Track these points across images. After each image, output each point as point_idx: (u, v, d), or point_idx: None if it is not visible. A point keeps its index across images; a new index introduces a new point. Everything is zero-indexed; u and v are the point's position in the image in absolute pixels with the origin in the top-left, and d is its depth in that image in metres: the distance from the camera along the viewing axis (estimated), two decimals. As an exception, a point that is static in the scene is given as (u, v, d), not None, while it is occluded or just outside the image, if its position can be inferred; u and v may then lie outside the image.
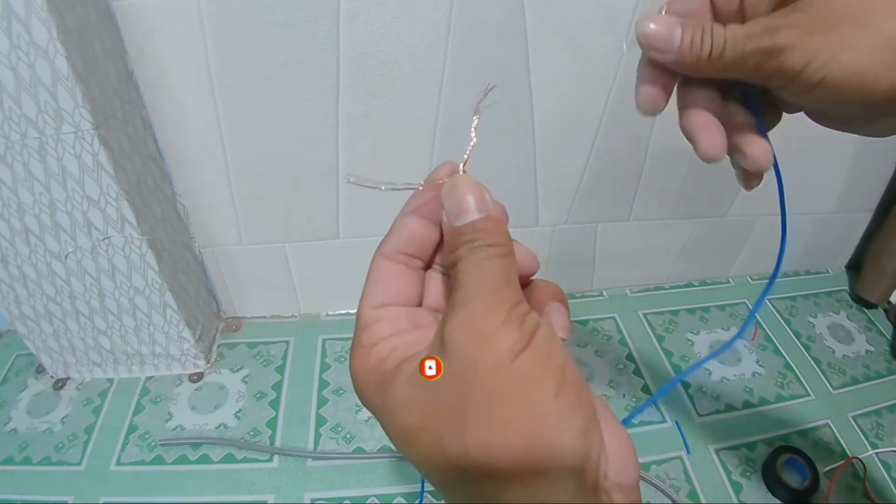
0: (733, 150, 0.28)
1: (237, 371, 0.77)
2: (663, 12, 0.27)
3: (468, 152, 0.25)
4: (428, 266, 0.26)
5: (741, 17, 0.27)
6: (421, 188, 0.25)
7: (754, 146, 0.28)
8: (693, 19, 0.26)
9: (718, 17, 0.28)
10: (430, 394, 0.20)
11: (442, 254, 0.25)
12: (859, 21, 0.23)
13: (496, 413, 0.18)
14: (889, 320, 0.89)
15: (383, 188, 0.26)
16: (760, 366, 0.81)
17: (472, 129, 0.25)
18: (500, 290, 0.20)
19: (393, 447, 0.23)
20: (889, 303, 0.90)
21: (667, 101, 0.28)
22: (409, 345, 0.22)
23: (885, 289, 0.88)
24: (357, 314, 0.24)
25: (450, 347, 0.20)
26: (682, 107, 0.28)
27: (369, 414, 0.80)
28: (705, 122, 0.27)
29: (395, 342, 0.23)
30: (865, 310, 0.91)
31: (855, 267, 0.96)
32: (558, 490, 0.18)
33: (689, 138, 0.28)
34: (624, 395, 0.76)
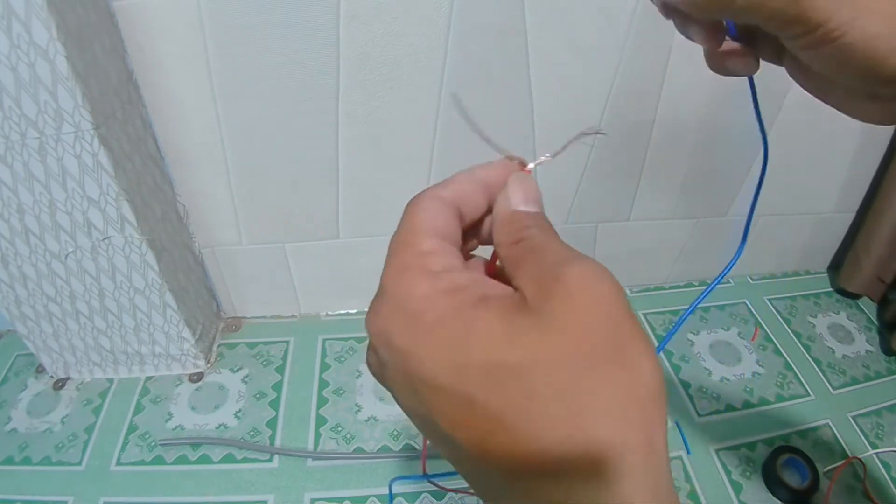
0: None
1: (237, 371, 0.77)
2: None
3: (541, 160, 0.25)
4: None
5: None
6: (518, 163, 0.25)
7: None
8: None
9: None
10: (544, 330, 0.18)
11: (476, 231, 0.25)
12: None
13: (629, 358, 0.18)
14: (878, 316, 0.90)
15: (483, 137, 0.25)
16: (760, 366, 0.81)
17: (558, 151, 0.26)
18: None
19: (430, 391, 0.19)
20: (880, 279, 0.90)
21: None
22: (486, 284, 0.21)
23: (863, 280, 0.90)
24: (405, 240, 0.21)
25: (572, 288, 0.18)
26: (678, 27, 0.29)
27: (369, 414, 0.79)
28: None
29: (471, 276, 0.21)
30: (864, 309, 0.91)
31: (835, 267, 0.98)
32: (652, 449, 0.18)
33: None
34: (624, 395, 0.76)
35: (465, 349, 0.18)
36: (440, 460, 0.24)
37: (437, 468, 0.40)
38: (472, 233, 0.25)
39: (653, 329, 0.85)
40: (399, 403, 0.21)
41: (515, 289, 0.20)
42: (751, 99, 0.30)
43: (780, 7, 0.23)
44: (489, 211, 0.24)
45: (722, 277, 0.29)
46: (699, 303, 0.31)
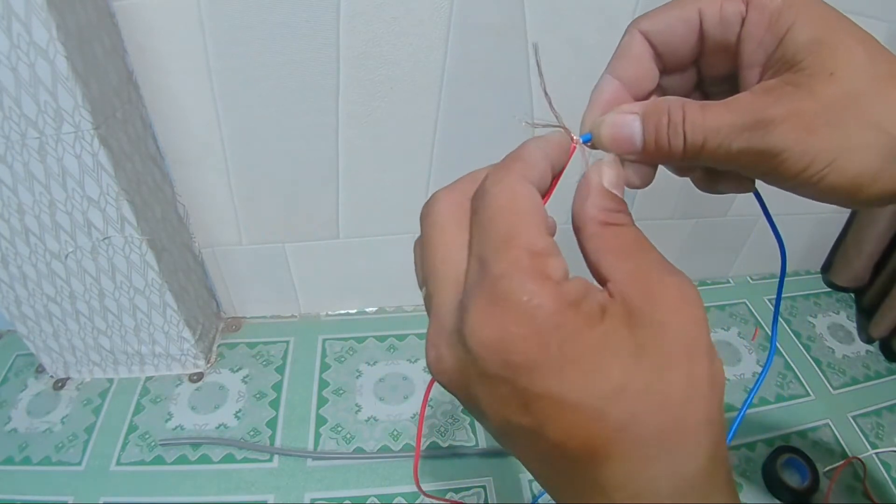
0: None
1: (237, 371, 0.77)
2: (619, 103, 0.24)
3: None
4: None
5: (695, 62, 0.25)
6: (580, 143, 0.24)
7: None
8: (656, 105, 0.22)
9: (667, 66, 0.25)
10: (646, 349, 0.18)
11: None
12: (864, 114, 0.21)
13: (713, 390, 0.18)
14: (856, 304, 0.92)
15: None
16: (760, 366, 0.81)
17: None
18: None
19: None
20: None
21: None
22: (594, 288, 0.19)
23: (852, 275, 0.91)
24: (514, 234, 0.18)
25: (671, 303, 0.18)
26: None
27: (369, 414, 0.79)
28: None
29: (581, 283, 0.19)
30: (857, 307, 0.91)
31: (828, 264, 0.98)
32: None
33: None
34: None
35: (601, 368, 0.17)
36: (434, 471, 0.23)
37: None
38: None
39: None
40: (480, 410, 0.19)
41: (602, 279, 0.20)
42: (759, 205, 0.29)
43: (746, 163, 0.22)
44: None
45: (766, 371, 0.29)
46: (746, 408, 0.30)
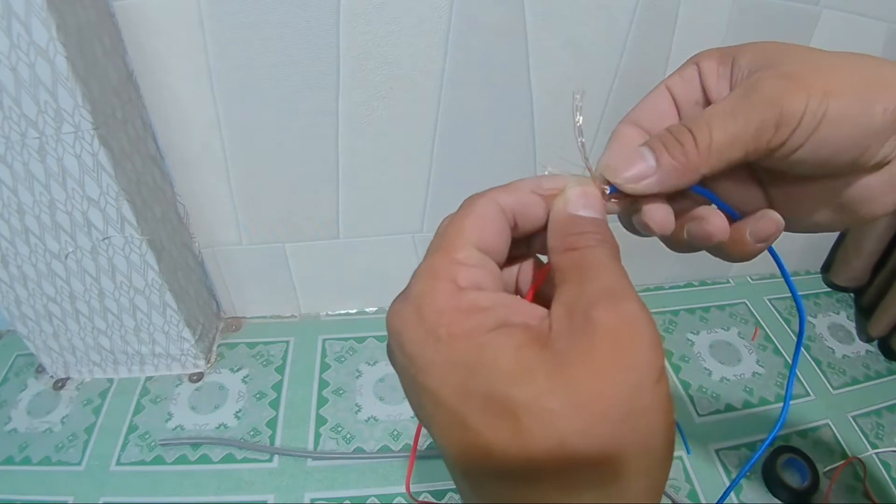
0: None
1: (237, 371, 0.77)
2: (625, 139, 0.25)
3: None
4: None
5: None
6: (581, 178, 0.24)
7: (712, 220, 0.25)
8: (658, 132, 0.24)
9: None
10: (556, 375, 0.17)
11: (529, 241, 0.25)
12: (826, 67, 0.23)
13: (639, 423, 0.17)
14: (854, 303, 0.92)
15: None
16: (760, 366, 0.81)
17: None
18: (645, 306, 0.20)
19: (430, 412, 0.19)
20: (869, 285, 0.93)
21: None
22: (512, 309, 0.20)
23: (852, 274, 0.91)
24: (446, 242, 0.21)
25: (600, 337, 0.18)
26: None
27: (369, 414, 0.79)
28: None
29: (496, 298, 0.20)
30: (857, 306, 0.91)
31: (826, 268, 0.99)
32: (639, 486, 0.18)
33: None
34: (624, 395, 0.76)
35: (470, 374, 0.18)
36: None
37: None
38: (524, 242, 0.25)
39: (653, 329, 0.85)
40: (406, 396, 0.21)
41: (551, 308, 0.20)
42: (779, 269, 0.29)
43: (756, 127, 0.23)
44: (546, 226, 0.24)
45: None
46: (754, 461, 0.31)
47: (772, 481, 0.65)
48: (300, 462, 0.67)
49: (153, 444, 0.68)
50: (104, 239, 0.61)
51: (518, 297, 0.22)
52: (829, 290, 0.95)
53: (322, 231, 0.76)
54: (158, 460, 0.66)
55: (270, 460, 0.67)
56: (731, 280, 0.95)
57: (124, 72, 0.58)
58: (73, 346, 0.72)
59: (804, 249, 0.95)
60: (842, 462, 0.68)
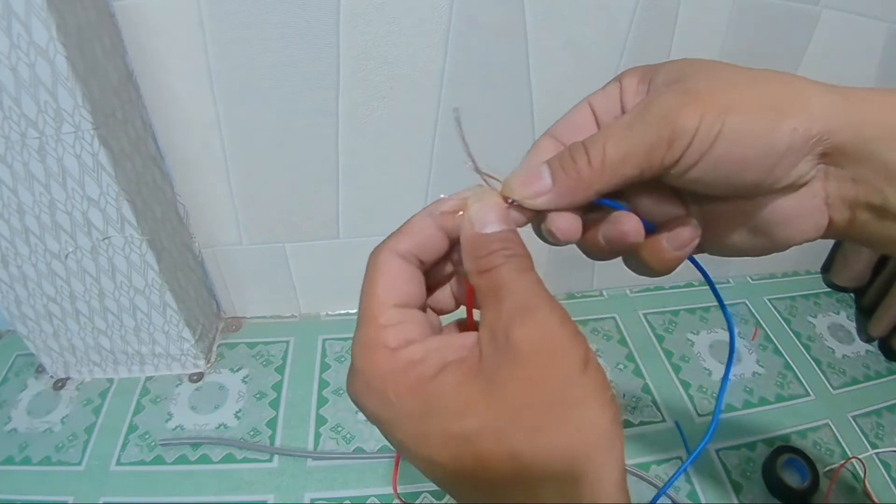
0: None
1: (237, 371, 0.77)
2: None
3: (490, 175, 0.26)
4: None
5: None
6: (484, 186, 0.25)
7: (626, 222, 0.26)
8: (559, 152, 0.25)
9: None
10: (493, 399, 0.20)
11: (447, 261, 0.26)
12: (732, 83, 0.23)
13: (571, 417, 0.20)
14: (855, 303, 0.92)
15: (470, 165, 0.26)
16: (760, 366, 0.81)
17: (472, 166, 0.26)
18: (557, 304, 0.21)
19: (411, 451, 0.22)
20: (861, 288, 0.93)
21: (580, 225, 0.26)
22: (445, 349, 0.22)
23: (852, 275, 0.92)
24: (367, 310, 0.23)
25: (521, 354, 0.20)
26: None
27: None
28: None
29: (427, 346, 0.22)
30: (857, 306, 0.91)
31: (826, 268, 0.98)
32: (595, 490, 0.20)
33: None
34: (624, 395, 0.76)
35: (424, 421, 0.20)
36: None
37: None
38: (442, 265, 0.26)
39: (653, 329, 0.85)
40: None
41: (479, 332, 0.22)
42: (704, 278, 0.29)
43: (650, 142, 0.22)
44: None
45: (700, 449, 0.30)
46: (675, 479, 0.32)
47: (772, 481, 0.65)
48: (300, 462, 0.67)
49: (153, 444, 0.68)
50: (104, 239, 0.61)
51: (449, 333, 0.24)
52: (829, 290, 0.95)
53: (322, 231, 0.76)
54: (158, 460, 0.66)
55: (270, 460, 0.67)
56: (730, 280, 0.95)
57: (124, 72, 0.58)
58: (73, 346, 0.72)
59: (804, 249, 0.95)
60: (842, 462, 0.68)
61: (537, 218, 0.26)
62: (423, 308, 0.25)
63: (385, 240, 0.24)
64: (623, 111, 0.26)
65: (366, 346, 0.22)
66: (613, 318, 0.86)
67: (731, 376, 0.79)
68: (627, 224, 0.25)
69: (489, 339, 0.21)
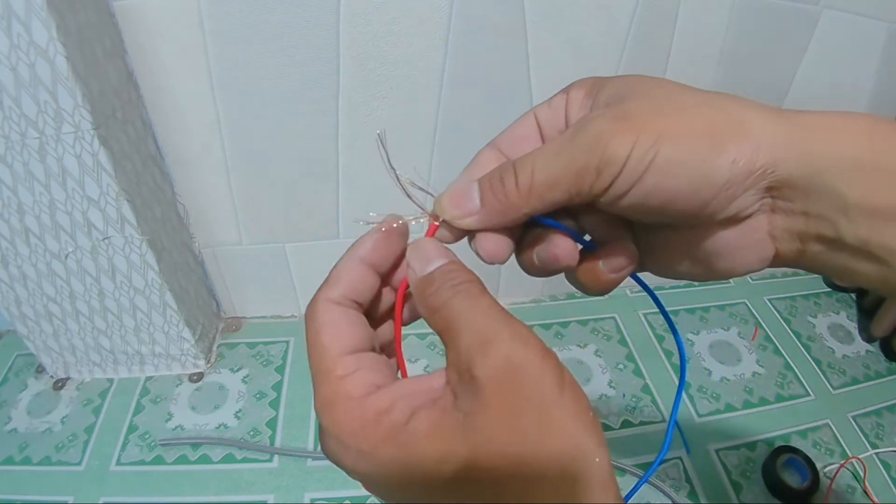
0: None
1: (237, 371, 0.77)
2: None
3: (417, 216, 0.26)
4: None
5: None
6: (422, 220, 0.26)
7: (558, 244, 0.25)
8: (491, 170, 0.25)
9: None
10: (472, 442, 0.19)
11: (385, 308, 0.27)
12: (672, 107, 0.21)
13: (554, 446, 0.19)
14: (857, 304, 0.92)
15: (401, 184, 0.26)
16: (760, 366, 0.81)
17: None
18: (516, 323, 0.21)
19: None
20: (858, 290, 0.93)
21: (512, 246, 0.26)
22: (413, 395, 0.21)
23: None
24: (320, 365, 0.22)
25: (487, 392, 0.19)
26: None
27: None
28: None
29: (394, 393, 0.21)
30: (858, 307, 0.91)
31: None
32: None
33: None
34: (624, 395, 0.76)
35: (405, 470, 0.20)
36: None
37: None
38: (377, 301, 0.27)
39: (653, 329, 0.85)
40: None
41: (447, 373, 0.21)
42: (660, 311, 0.30)
43: (578, 168, 0.21)
44: (396, 266, 0.26)
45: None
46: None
47: (772, 481, 0.65)
48: (300, 462, 0.67)
49: (153, 444, 0.68)
50: (104, 239, 0.61)
51: (415, 377, 0.23)
52: (829, 290, 0.95)
53: (322, 231, 0.76)
54: (158, 460, 0.66)
55: (270, 460, 0.67)
56: (730, 280, 0.95)
57: (124, 72, 0.58)
58: (73, 346, 0.72)
59: (804, 249, 0.95)
60: (842, 462, 0.68)
61: (469, 235, 0.26)
62: (375, 349, 0.25)
63: (316, 292, 0.24)
64: (567, 125, 0.26)
65: (329, 404, 0.21)
66: (613, 318, 0.87)
67: (730, 376, 0.79)
68: (560, 247, 0.25)
69: (457, 379, 0.20)
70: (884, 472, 0.68)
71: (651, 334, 0.84)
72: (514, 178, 0.23)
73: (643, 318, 0.86)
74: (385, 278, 0.26)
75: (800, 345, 0.85)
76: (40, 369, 0.77)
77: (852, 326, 0.88)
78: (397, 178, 0.26)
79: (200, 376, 0.76)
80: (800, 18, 0.66)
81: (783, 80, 0.72)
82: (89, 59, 0.51)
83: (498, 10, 0.59)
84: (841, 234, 0.21)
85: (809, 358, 0.83)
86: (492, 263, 0.25)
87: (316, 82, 0.62)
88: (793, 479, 0.65)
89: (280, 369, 0.78)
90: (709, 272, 0.25)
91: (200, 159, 0.67)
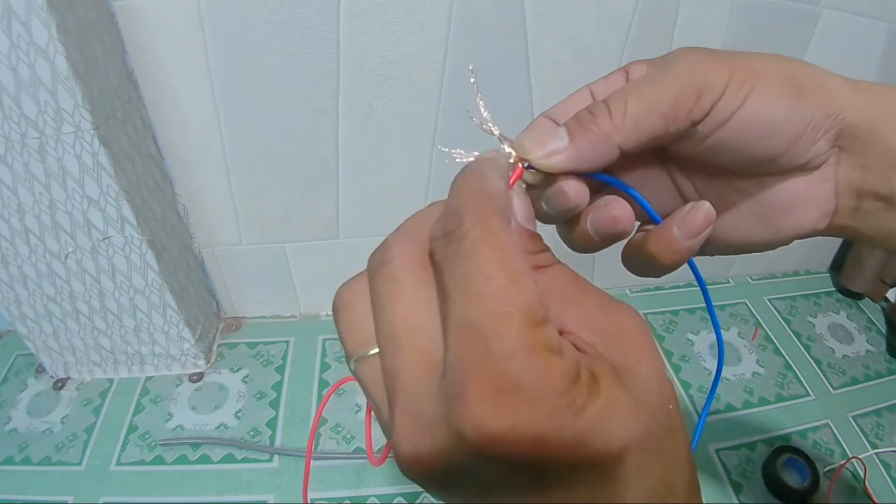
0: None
1: (237, 371, 0.77)
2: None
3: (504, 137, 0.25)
4: None
5: None
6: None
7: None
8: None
9: None
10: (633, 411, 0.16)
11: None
12: (752, 56, 0.22)
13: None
14: (885, 318, 0.89)
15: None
16: (760, 366, 0.81)
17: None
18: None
19: None
20: (886, 300, 0.90)
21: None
22: (574, 352, 0.17)
23: (866, 279, 0.90)
24: (509, 299, 0.15)
25: (639, 352, 0.18)
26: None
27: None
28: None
29: (572, 353, 0.17)
30: (865, 309, 0.91)
31: (836, 267, 0.97)
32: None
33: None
34: (624, 395, 0.76)
35: (610, 439, 0.15)
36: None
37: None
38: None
39: (653, 329, 0.85)
40: (466, 499, 0.17)
41: (562, 330, 0.17)
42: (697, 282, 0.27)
43: (673, 100, 0.21)
44: None
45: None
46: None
47: (772, 481, 0.65)
48: (300, 462, 0.67)
49: (153, 444, 0.68)
50: (104, 239, 0.61)
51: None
52: (829, 290, 0.95)
53: (322, 231, 0.76)
54: (158, 460, 0.66)
55: (270, 460, 0.67)
56: (731, 280, 0.95)
57: (124, 72, 0.58)
58: (73, 346, 0.72)
59: (804, 249, 0.95)
60: (842, 462, 0.68)
61: (544, 183, 0.23)
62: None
63: (471, 208, 0.18)
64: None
65: (535, 354, 0.15)
66: (613, 318, 0.86)
67: (730, 376, 0.79)
68: (618, 209, 0.23)
69: (598, 337, 0.18)
70: (884, 472, 0.68)
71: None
72: (606, 109, 0.21)
73: (643, 318, 0.86)
74: None
75: (800, 345, 0.85)
76: (40, 369, 0.77)
77: (852, 326, 0.88)
78: (485, 120, 0.24)
79: (200, 376, 0.76)
80: (800, 18, 0.66)
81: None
82: (89, 59, 0.51)
83: (498, 10, 0.59)
84: (895, 190, 0.22)
85: (809, 358, 0.83)
86: (568, 213, 0.23)
87: (316, 82, 0.61)
88: (793, 479, 0.65)
89: (280, 369, 0.78)
90: (776, 232, 0.24)
91: (200, 159, 0.67)
